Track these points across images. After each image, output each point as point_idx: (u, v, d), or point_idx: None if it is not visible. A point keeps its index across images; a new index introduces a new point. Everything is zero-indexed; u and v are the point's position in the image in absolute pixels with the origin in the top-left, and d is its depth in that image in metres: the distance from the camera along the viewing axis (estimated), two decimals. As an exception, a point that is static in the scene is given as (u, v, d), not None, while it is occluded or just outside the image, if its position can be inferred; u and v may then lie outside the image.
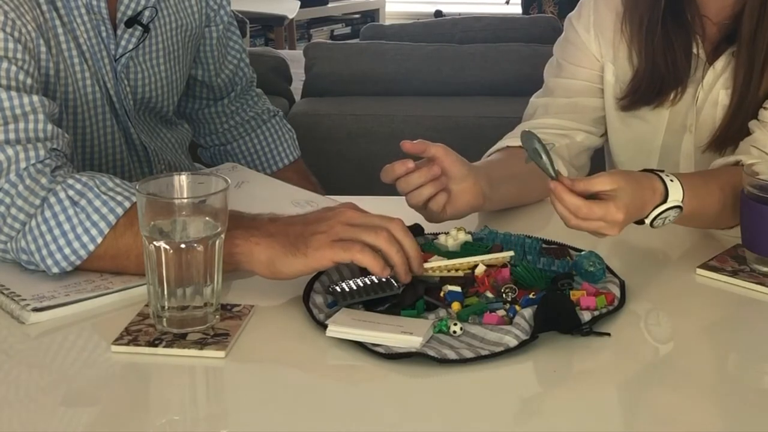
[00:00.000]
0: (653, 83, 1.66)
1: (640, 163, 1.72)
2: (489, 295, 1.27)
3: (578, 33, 1.73)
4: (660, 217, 1.37)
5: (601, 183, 1.32)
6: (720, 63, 1.64)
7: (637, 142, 1.73)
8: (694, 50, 1.65)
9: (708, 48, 1.66)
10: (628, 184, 1.33)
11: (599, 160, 1.84)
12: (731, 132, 1.61)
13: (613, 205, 1.31)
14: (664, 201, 1.37)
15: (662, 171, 1.40)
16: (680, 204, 1.37)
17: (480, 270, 1.29)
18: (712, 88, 1.65)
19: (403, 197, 1.46)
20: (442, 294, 1.27)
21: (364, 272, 1.34)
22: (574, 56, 1.74)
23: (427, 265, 1.29)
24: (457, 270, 1.30)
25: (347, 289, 1.27)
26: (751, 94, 1.59)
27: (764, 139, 1.53)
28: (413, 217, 1.45)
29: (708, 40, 1.66)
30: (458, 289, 1.26)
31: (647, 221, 1.38)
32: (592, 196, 1.32)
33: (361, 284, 1.28)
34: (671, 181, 1.38)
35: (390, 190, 1.47)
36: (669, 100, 1.67)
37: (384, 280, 1.28)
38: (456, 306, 1.24)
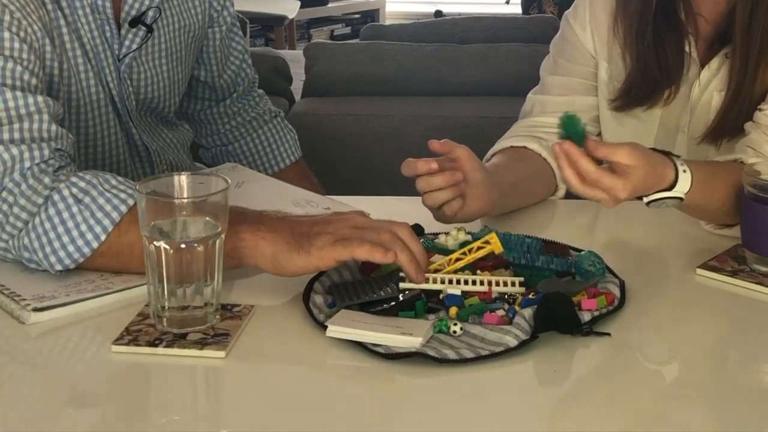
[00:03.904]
0: (645, 84, 1.67)
1: None
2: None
3: (574, 31, 1.74)
4: (659, 201, 1.39)
5: (622, 155, 1.32)
6: (714, 63, 1.64)
7: (630, 140, 1.73)
8: (687, 49, 1.65)
9: (702, 47, 1.66)
10: (644, 165, 1.34)
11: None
12: (726, 125, 1.61)
13: (621, 183, 1.32)
14: (669, 189, 1.38)
15: (678, 157, 1.40)
16: (683, 196, 1.38)
17: (495, 243, 1.30)
18: (706, 89, 1.65)
19: (405, 198, 1.46)
20: (441, 297, 1.27)
21: (364, 273, 1.34)
22: (571, 54, 1.74)
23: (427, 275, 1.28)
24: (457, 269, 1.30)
25: (347, 290, 1.27)
26: (744, 90, 1.59)
27: (759, 140, 1.53)
28: (413, 218, 1.45)
29: (702, 38, 1.66)
30: (458, 292, 1.26)
31: (645, 200, 1.39)
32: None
33: (361, 285, 1.28)
34: (684, 171, 1.39)
35: (390, 190, 1.47)
36: (662, 99, 1.67)
37: (383, 280, 1.28)
38: (453, 311, 1.24)
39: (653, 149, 1.40)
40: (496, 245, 1.30)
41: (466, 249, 1.31)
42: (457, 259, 1.31)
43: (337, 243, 1.26)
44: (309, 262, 1.27)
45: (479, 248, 1.31)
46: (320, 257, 1.27)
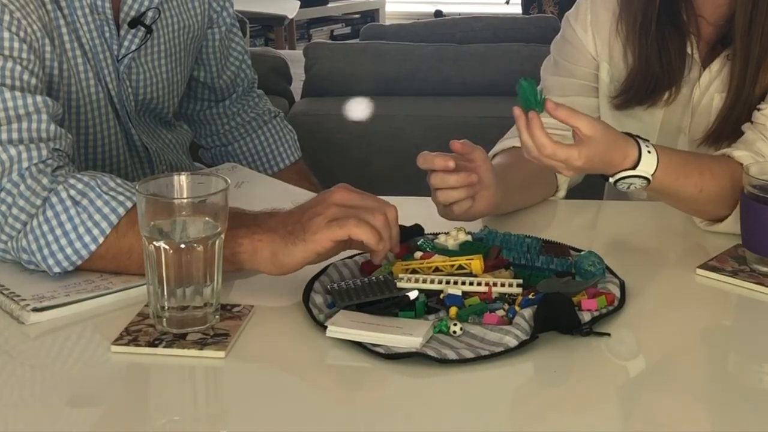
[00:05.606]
0: (646, 82, 1.67)
1: None
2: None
3: (575, 32, 1.74)
4: (624, 181, 1.41)
5: (582, 123, 1.36)
6: (716, 65, 1.64)
7: None
8: (689, 51, 1.65)
9: (704, 49, 1.66)
10: (603, 138, 1.37)
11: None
12: (727, 127, 1.61)
13: (577, 152, 1.35)
14: (633, 168, 1.40)
15: (646, 141, 1.42)
16: (648, 176, 1.40)
17: (477, 266, 1.30)
18: (707, 91, 1.65)
19: (404, 197, 1.45)
20: (441, 297, 1.27)
21: (364, 273, 1.34)
22: (571, 55, 1.74)
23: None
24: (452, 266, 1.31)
25: (347, 290, 1.27)
26: (745, 93, 1.59)
27: (753, 137, 1.53)
28: (413, 218, 1.45)
29: (704, 40, 1.66)
30: (458, 292, 1.26)
31: (611, 180, 1.41)
32: None
33: (361, 285, 1.28)
34: (648, 152, 1.41)
35: (389, 190, 1.47)
36: (662, 100, 1.67)
37: (383, 280, 1.28)
38: (453, 311, 1.24)
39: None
40: (474, 268, 1.31)
41: (449, 263, 1.31)
42: (437, 269, 1.32)
43: (331, 223, 1.26)
44: (307, 249, 1.27)
45: (460, 266, 1.31)
46: (316, 241, 1.26)
